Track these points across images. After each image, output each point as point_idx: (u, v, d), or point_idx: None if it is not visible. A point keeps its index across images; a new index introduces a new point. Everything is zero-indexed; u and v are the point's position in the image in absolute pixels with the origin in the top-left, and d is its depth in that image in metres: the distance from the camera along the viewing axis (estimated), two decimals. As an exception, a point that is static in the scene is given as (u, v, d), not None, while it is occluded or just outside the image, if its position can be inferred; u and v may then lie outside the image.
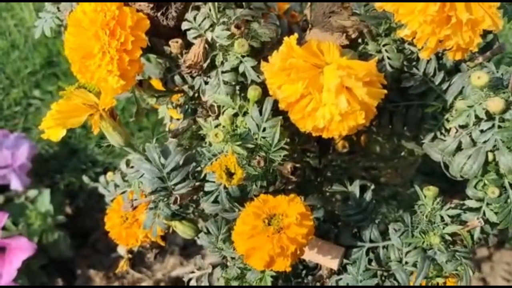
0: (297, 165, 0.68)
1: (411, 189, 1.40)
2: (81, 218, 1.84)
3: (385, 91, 0.67)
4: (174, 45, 0.72)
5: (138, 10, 0.75)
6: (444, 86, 0.79)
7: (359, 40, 0.80)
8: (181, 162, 0.69)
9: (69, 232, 1.73)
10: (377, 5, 0.69)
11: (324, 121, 0.65)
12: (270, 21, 0.82)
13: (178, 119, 0.87)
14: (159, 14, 0.75)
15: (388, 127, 0.84)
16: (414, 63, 0.80)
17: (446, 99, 0.78)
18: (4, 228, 1.54)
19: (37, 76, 1.98)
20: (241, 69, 0.72)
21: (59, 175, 1.84)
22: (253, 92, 0.68)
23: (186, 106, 0.82)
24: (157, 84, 0.87)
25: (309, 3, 0.94)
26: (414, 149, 0.93)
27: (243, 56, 0.72)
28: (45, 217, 1.67)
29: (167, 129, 0.88)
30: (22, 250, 1.48)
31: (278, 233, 0.63)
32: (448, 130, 0.79)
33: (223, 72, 0.72)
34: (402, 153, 0.97)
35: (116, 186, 0.86)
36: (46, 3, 0.93)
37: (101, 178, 1.08)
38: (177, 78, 0.78)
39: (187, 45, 0.76)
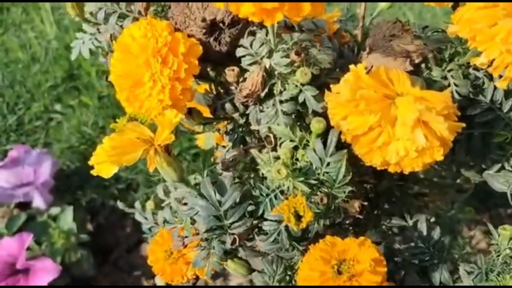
0: (365, 203, 0.64)
1: (452, 211, 1.35)
2: (102, 235, 1.80)
3: (463, 124, 0.62)
4: (230, 74, 0.67)
5: (189, 35, 0.71)
6: (513, 114, 0.74)
7: (422, 65, 0.75)
8: (237, 199, 0.64)
9: (91, 249, 1.69)
10: (450, 30, 0.65)
11: (398, 157, 0.61)
12: (324, 45, 0.78)
13: (223, 146, 0.83)
14: (211, 39, 0.71)
15: (450, 156, 0.79)
16: (478, 89, 0.75)
17: (516, 129, 0.73)
18: (27, 248, 1.50)
19: (58, 89, 1.95)
20: (300, 99, 0.68)
21: (81, 191, 1.81)
22: (317, 125, 0.64)
23: (236, 134, 0.77)
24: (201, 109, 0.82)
25: (360, 24, 0.90)
26: (471, 177, 0.88)
27: (303, 85, 0.67)
28: (68, 235, 1.63)
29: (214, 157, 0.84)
30: (47, 271, 1.43)
31: (349, 281, 0.58)
32: (516, 161, 0.75)
33: (281, 102, 0.68)
34: (458, 180, 0.91)
35: (165, 222, 0.81)
36: (84, 24, 0.89)
37: (137, 204, 1.04)
38: (228, 106, 0.73)
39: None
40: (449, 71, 0.74)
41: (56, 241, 1.62)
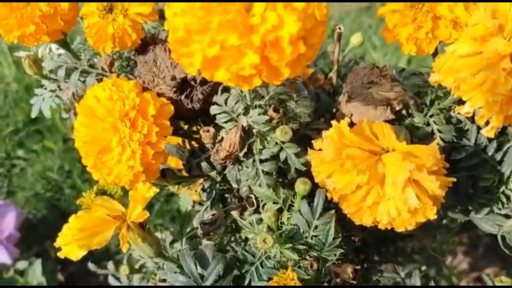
0: (357, 267, 0.60)
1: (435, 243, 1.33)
2: (75, 286, 1.70)
3: (454, 179, 0.59)
4: (205, 135, 0.63)
5: (159, 94, 0.66)
6: (498, 156, 0.72)
7: (403, 112, 0.72)
8: (221, 272, 0.59)
9: (63, 302, 1.60)
10: (433, 79, 0.62)
11: (389, 218, 0.57)
12: (301, 94, 0.74)
13: (201, 203, 0.78)
14: (183, 97, 0.67)
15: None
16: (462, 132, 0.73)
17: (502, 171, 0.71)
18: (-7, 310, 1.40)
19: (20, 134, 1.86)
20: (282, 157, 0.64)
21: (49, 241, 1.71)
22: (302, 187, 0.60)
23: (214, 192, 0.73)
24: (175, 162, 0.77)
25: (334, 68, 0.88)
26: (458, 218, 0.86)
27: (283, 142, 0.64)
28: (38, 291, 1.53)
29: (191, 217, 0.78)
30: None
31: None
32: (503, 204, 0.73)
33: (261, 161, 0.64)
34: (444, 221, 0.89)
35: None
36: (43, 81, 0.83)
37: (110, 265, 0.97)
38: (204, 164, 0.69)
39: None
40: (431, 116, 0.71)
41: (24, 297, 1.52)
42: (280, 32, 0.46)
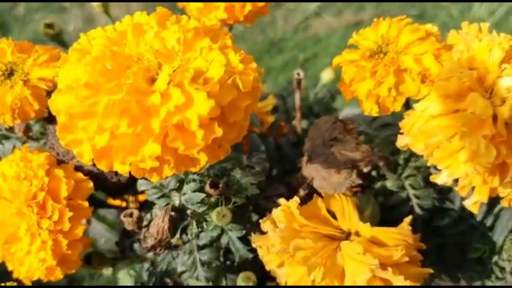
0: None
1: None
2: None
3: (430, 270, 0.48)
4: (128, 221, 0.52)
5: (77, 167, 0.56)
6: (488, 221, 0.61)
7: (373, 172, 0.62)
8: None
9: None
10: (400, 144, 0.51)
11: (351, 323, 0.46)
12: (254, 155, 0.64)
13: (142, 284, 0.66)
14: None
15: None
16: (444, 194, 0.62)
17: (494, 240, 0.60)
18: None
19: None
20: (223, 241, 0.53)
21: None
22: (245, 284, 0.49)
23: (154, 277, 0.61)
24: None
25: (297, 115, 0.77)
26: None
27: (225, 223, 0.53)
28: None
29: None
30: None
31: None
32: (497, 276, 0.62)
33: (199, 248, 0.53)
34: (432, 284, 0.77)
35: None
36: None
37: None
38: (137, 246, 0.58)
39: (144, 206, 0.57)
40: (406, 177, 0.60)
41: None
42: (186, 113, 0.35)
